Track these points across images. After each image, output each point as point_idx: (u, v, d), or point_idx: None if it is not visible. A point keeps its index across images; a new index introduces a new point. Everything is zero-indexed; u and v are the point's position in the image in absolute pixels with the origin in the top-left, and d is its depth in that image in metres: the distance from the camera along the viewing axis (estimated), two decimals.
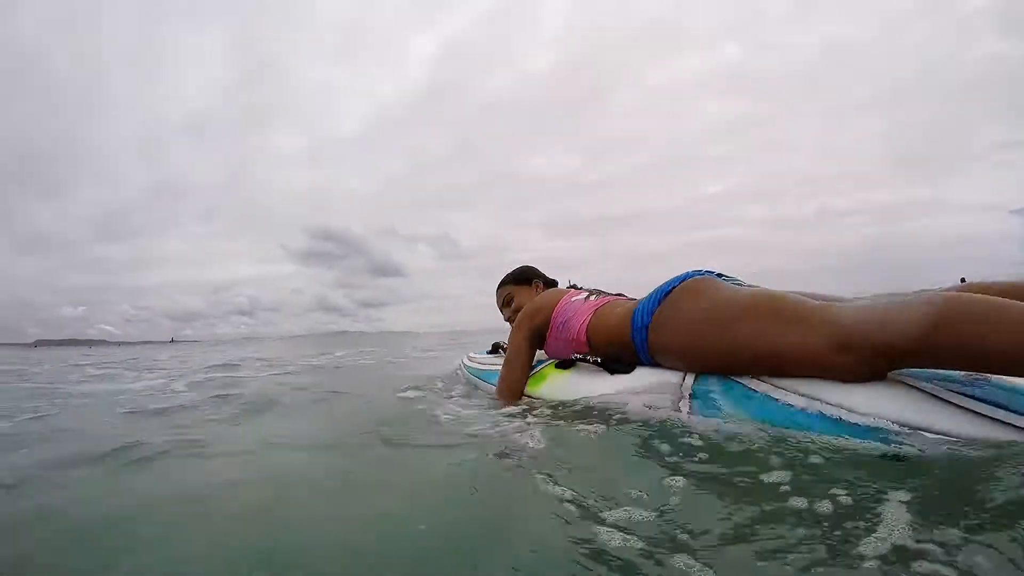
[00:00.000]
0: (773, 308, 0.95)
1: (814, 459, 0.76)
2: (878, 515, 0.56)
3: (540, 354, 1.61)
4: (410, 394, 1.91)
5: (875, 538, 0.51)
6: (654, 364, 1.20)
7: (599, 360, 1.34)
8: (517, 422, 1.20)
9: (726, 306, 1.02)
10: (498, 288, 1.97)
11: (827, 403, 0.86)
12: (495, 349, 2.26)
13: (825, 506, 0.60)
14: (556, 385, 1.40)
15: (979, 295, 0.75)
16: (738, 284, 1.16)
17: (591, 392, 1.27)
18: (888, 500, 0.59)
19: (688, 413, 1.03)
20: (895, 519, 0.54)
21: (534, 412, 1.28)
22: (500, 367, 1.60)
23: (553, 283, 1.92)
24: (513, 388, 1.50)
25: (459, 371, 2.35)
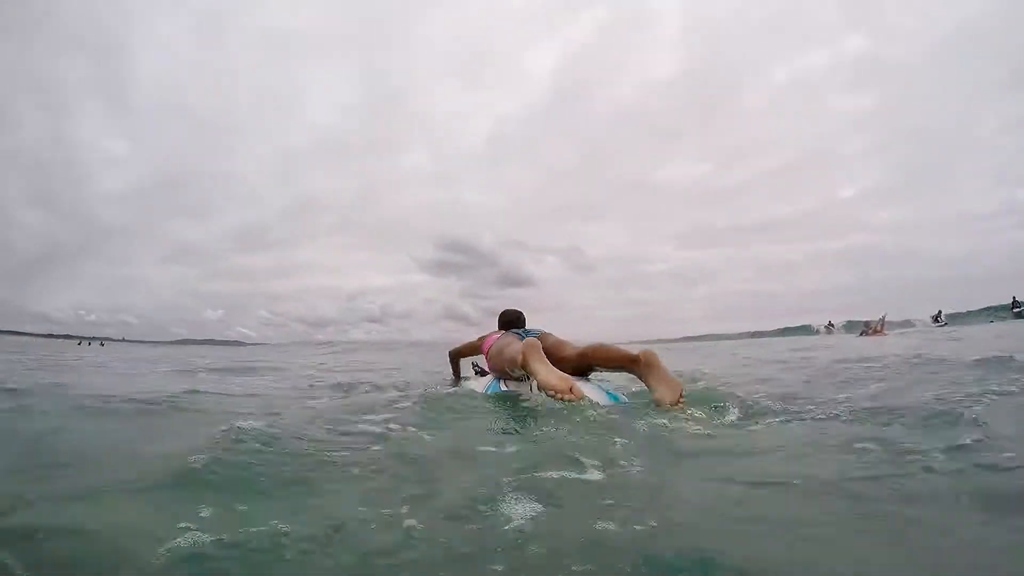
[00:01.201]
0: (506, 344, 3.09)
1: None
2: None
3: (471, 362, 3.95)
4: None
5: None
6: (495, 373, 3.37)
7: (481, 370, 3.65)
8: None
9: (502, 344, 3.12)
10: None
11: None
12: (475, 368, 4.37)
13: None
14: (472, 382, 3.70)
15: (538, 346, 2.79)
16: (527, 333, 3.25)
17: (479, 385, 3.47)
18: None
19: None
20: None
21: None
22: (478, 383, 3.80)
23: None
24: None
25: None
